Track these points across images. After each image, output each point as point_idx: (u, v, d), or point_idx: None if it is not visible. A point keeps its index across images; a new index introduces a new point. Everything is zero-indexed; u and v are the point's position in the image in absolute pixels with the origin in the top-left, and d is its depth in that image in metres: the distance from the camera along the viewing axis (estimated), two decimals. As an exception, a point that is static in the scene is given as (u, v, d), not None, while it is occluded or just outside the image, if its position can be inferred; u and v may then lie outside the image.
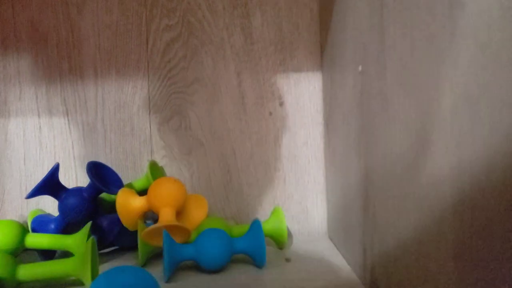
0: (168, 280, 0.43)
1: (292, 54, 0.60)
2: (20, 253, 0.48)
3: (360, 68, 0.39)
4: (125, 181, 0.59)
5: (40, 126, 0.60)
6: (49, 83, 0.60)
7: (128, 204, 0.48)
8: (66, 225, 0.50)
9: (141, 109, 0.60)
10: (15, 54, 0.60)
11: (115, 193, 0.50)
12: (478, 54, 0.20)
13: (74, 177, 0.60)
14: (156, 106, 0.60)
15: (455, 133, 0.22)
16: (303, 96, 0.60)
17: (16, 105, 0.60)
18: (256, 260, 0.45)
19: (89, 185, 0.50)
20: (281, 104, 0.60)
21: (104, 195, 0.55)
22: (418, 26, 0.26)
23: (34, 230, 0.49)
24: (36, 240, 0.46)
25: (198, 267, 0.46)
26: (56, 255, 0.51)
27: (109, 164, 0.59)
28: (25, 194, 0.59)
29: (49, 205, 0.59)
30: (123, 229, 0.51)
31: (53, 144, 0.60)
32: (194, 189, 0.60)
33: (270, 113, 0.60)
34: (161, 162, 0.60)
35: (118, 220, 0.50)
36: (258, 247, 0.44)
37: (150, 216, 0.59)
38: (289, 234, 0.59)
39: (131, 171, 0.60)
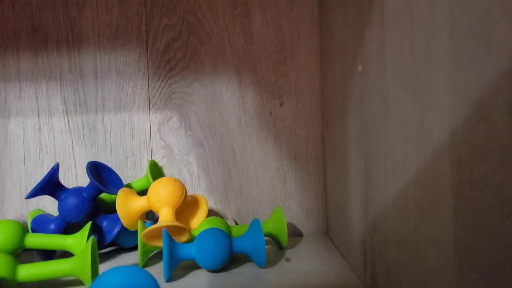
0: (168, 280, 0.43)
1: (292, 54, 0.60)
2: (20, 253, 0.48)
3: (360, 68, 0.39)
4: (125, 181, 0.59)
5: (40, 126, 0.60)
6: (49, 83, 0.60)
7: (128, 204, 0.48)
8: (66, 225, 0.50)
9: (141, 109, 0.60)
10: (15, 53, 0.60)
11: (115, 193, 0.50)
12: (478, 54, 0.20)
13: (74, 177, 0.60)
14: (156, 106, 0.60)
15: (454, 132, 0.22)
16: (303, 96, 0.60)
17: (16, 105, 0.60)
18: (256, 260, 0.45)
19: (89, 185, 0.50)
20: (281, 104, 0.60)
21: (104, 195, 0.55)
22: (418, 26, 0.26)
23: (34, 230, 0.49)
24: (36, 240, 0.46)
25: (198, 267, 0.46)
26: (56, 255, 0.51)
27: (109, 164, 0.59)
28: (25, 194, 0.59)
29: (49, 205, 0.59)
30: (123, 229, 0.51)
31: (53, 144, 0.60)
32: (194, 189, 0.60)
33: (270, 113, 0.60)
34: (161, 162, 0.60)
35: (118, 220, 0.50)
36: (258, 247, 0.44)
37: (150, 216, 0.59)
38: (289, 234, 0.59)
39: (131, 171, 0.60)
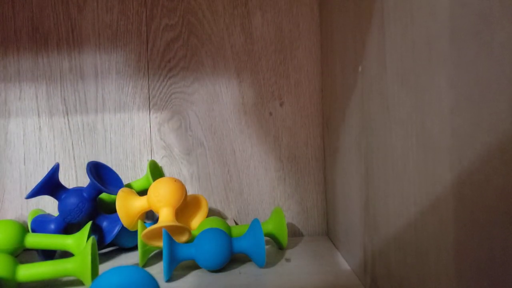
0: (168, 280, 0.43)
1: (292, 54, 0.60)
2: (20, 253, 0.48)
3: (360, 68, 0.39)
4: (125, 181, 0.59)
5: (40, 126, 0.60)
6: (49, 83, 0.60)
7: (128, 204, 0.48)
8: (66, 225, 0.50)
9: (141, 109, 0.60)
10: (15, 53, 0.60)
11: (115, 193, 0.50)
12: (479, 54, 0.20)
13: (74, 177, 0.60)
14: (156, 106, 0.60)
15: (455, 133, 0.22)
16: (303, 96, 0.60)
17: (16, 105, 0.60)
18: (256, 260, 0.45)
19: (89, 185, 0.50)
20: (281, 104, 0.60)
21: (104, 195, 0.55)
22: (419, 25, 0.26)
23: (34, 230, 0.49)
24: (36, 240, 0.46)
25: (198, 267, 0.46)
26: (56, 255, 0.51)
27: (109, 164, 0.59)
28: (25, 194, 0.59)
29: (49, 205, 0.59)
30: (123, 229, 0.51)
31: (53, 144, 0.60)
32: (194, 189, 0.60)
33: (270, 113, 0.60)
34: (161, 162, 0.60)
35: (118, 220, 0.50)
36: (257, 247, 0.44)
37: (150, 216, 0.59)
38: (289, 234, 0.59)
39: (131, 171, 0.60)
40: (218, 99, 0.60)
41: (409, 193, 0.28)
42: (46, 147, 0.60)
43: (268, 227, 0.51)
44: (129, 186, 0.56)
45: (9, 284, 0.39)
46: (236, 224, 0.59)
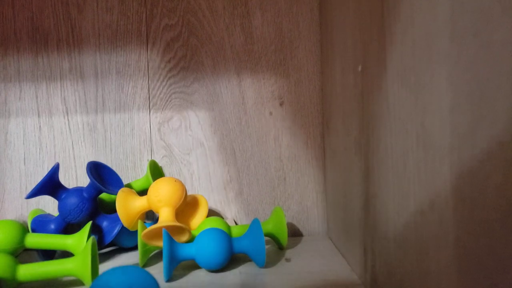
0: (168, 280, 0.43)
1: (292, 53, 0.60)
2: (20, 253, 0.48)
3: (360, 67, 0.39)
4: (125, 181, 0.59)
5: (40, 126, 0.60)
6: (49, 83, 0.60)
7: (128, 204, 0.48)
8: (66, 225, 0.50)
9: (141, 109, 0.60)
10: (15, 54, 0.60)
11: (115, 193, 0.50)
12: (479, 53, 0.20)
13: (74, 177, 0.60)
14: (156, 106, 0.60)
15: (455, 132, 0.22)
16: (303, 96, 0.60)
17: (16, 105, 0.60)
18: (256, 260, 0.45)
19: (89, 185, 0.50)
20: (281, 104, 0.60)
21: (104, 195, 0.55)
22: (419, 25, 0.26)
23: (34, 230, 0.49)
24: (36, 240, 0.46)
25: (198, 267, 0.46)
26: (56, 255, 0.51)
27: (109, 164, 0.59)
28: (25, 194, 0.59)
29: (49, 205, 0.59)
30: (123, 229, 0.51)
31: (53, 144, 0.60)
32: (194, 189, 0.60)
33: (270, 113, 0.60)
34: (161, 162, 0.60)
35: (118, 220, 0.50)
36: (258, 247, 0.44)
37: (150, 216, 0.59)
38: (289, 234, 0.59)
39: (131, 171, 0.60)
40: (218, 99, 0.60)
41: (409, 192, 0.28)
42: (46, 147, 0.60)
43: (268, 227, 0.51)
44: (129, 186, 0.56)
45: (9, 284, 0.39)
46: (236, 224, 0.59)
